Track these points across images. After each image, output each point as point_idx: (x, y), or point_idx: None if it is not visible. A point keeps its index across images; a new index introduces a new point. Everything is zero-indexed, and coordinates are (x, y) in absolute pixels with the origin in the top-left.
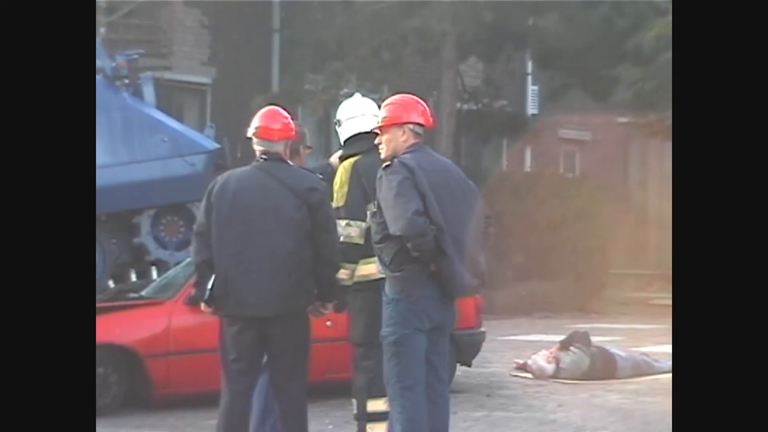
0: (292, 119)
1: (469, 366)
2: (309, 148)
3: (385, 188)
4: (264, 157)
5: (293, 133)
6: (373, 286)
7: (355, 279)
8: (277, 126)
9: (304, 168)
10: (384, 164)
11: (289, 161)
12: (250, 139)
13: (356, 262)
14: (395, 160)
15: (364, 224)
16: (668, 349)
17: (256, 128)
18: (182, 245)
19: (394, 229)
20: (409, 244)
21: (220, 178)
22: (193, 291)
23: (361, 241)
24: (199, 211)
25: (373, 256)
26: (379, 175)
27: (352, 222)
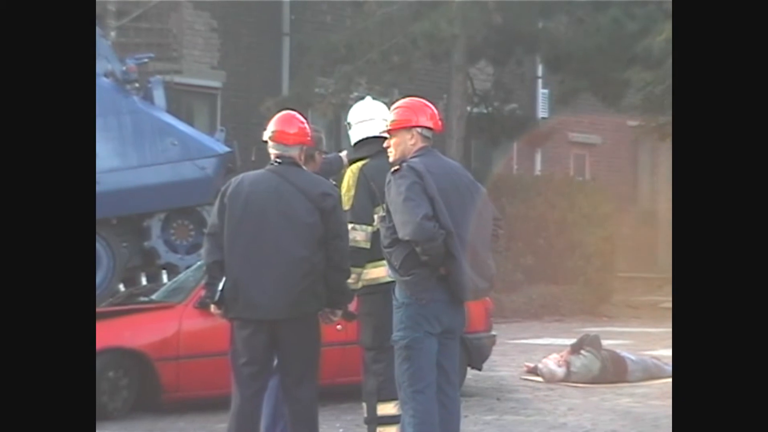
0: (309, 124)
1: (480, 369)
2: (324, 153)
3: (394, 192)
4: (278, 160)
5: (309, 138)
6: (382, 289)
7: (364, 282)
8: (293, 130)
9: (317, 172)
10: (393, 168)
11: (303, 166)
12: (266, 142)
13: (362, 266)
14: (404, 164)
15: (370, 228)
16: None
17: (272, 132)
18: (192, 249)
19: (403, 233)
20: (418, 249)
21: (234, 180)
22: (203, 292)
23: (367, 246)
24: (212, 212)
25: (381, 259)
26: (387, 180)
27: (357, 226)
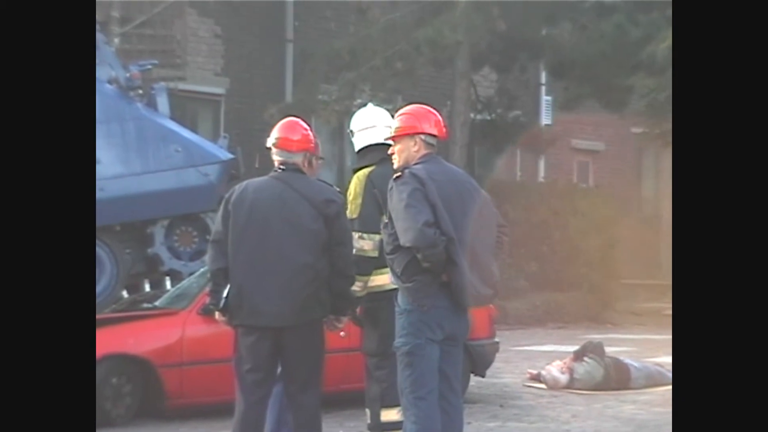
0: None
1: (483, 376)
2: (321, 158)
3: (396, 199)
4: (282, 167)
5: (312, 144)
6: (387, 296)
7: (369, 289)
8: (296, 137)
9: (320, 180)
10: (395, 175)
11: (306, 173)
12: (269, 149)
13: (369, 274)
14: (406, 170)
15: (377, 237)
16: None
17: (276, 139)
18: (196, 255)
19: (404, 240)
20: (419, 255)
21: (238, 187)
22: (207, 299)
23: (375, 254)
24: (216, 219)
25: (386, 266)
26: (390, 186)
27: (365, 235)
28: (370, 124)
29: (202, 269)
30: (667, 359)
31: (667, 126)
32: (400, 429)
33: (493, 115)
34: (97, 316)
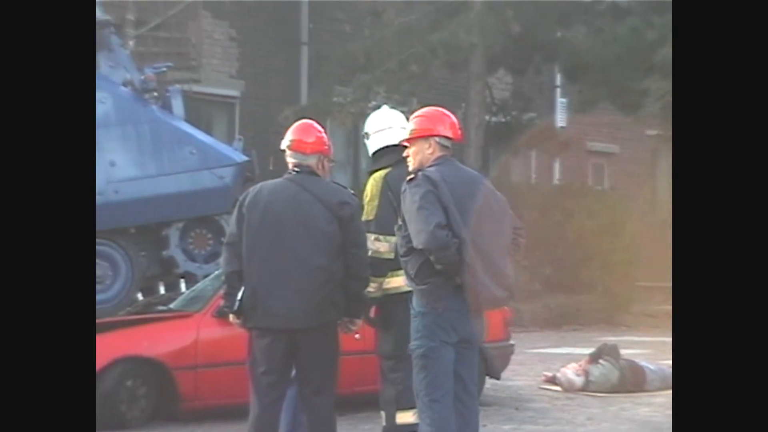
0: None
1: (498, 379)
2: (332, 161)
3: (409, 201)
4: (296, 169)
5: (326, 147)
6: (402, 298)
7: (385, 291)
8: (310, 139)
9: (334, 182)
10: (408, 177)
11: (320, 175)
12: (284, 151)
13: (384, 276)
14: (419, 173)
15: (393, 239)
16: None
17: (290, 141)
18: (211, 258)
19: (416, 242)
20: (431, 257)
21: (252, 189)
22: (222, 302)
23: (391, 256)
24: (231, 221)
25: (402, 268)
26: (403, 189)
27: (381, 237)
28: (386, 126)
29: (216, 272)
30: None
31: None
32: (416, 431)
33: (508, 118)
34: (112, 319)
